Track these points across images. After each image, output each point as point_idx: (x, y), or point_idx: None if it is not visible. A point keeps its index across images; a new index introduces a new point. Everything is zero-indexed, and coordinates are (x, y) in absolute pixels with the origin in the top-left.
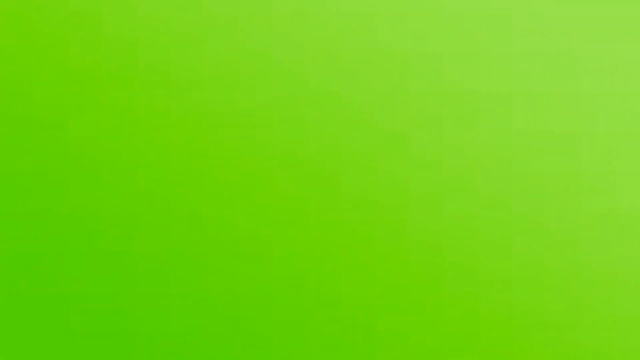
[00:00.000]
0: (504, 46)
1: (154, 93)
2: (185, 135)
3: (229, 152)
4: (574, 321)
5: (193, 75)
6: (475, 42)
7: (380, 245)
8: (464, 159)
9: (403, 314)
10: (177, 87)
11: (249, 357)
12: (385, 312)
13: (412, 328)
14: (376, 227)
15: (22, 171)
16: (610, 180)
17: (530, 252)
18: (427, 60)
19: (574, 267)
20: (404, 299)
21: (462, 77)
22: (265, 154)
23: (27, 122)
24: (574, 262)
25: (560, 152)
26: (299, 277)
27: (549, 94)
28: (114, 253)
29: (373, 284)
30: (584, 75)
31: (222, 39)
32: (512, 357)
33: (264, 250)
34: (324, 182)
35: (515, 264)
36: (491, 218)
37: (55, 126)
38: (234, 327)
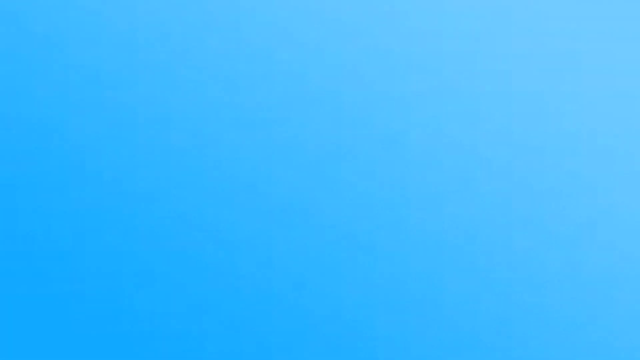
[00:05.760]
0: (504, 46)
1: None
2: (185, 135)
3: (229, 152)
4: (574, 321)
5: (193, 75)
6: (475, 42)
7: (380, 245)
8: (464, 159)
9: (403, 313)
10: (178, 87)
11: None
12: (385, 312)
13: (412, 328)
14: (376, 226)
15: (21, 171)
16: (611, 180)
17: (530, 252)
18: (427, 60)
19: (574, 267)
20: (404, 298)
21: (462, 77)
22: (265, 155)
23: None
24: (574, 262)
25: (560, 152)
26: (299, 277)
27: (549, 94)
28: (113, 253)
29: (373, 284)
30: (584, 75)
31: (222, 38)
32: (512, 357)
33: (263, 250)
34: (324, 182)
35: (515, 264)
36: (491, 218)
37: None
38: (233, 327)
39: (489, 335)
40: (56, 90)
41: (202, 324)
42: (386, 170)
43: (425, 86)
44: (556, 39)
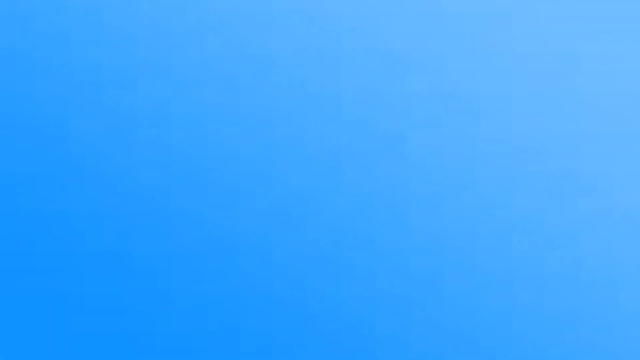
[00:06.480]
0: (504, 46)
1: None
2: (185, 135)
3: (228, 152)
4: (574, 321)
5: (193, 75)
6: (475, 42)
7: (380, 245)
8: (464, 159)
9: (403, 313)
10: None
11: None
12: (385, 312)
13: (412, 328)
14: (376, 227)
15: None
16: (610, 180)
17: (530, 252)
18: (427, 60)
19: (574, 267)
20: (404, 298)
21: (462, 77)
22: (265, 154)
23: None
24: (574, 262)
25: (560, 152)
26: (299, 277)
27: (549, 94)
28: (113, 253)
29: (373, 284)
30: (584, 75)
31: (222, 38)
32: (511, 357)
33: (263, 250)
34: (323, 182)
35: (515, 264)
36: (491, 218)
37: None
38: (233, 327)
39: (489, 335)
40: (56, 90)
41: (202, 323)
42: (386, 170)
43: (425, 86)
44: (556, 39)
